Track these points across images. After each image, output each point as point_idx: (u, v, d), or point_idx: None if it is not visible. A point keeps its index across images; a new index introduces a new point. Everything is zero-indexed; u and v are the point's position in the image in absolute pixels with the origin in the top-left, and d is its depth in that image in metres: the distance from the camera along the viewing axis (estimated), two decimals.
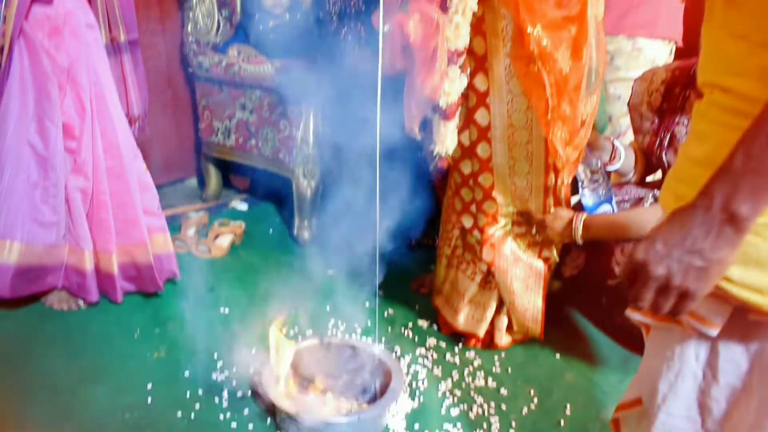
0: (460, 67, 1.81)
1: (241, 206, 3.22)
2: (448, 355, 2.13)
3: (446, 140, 1.90)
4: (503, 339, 2.15)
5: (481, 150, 1.97)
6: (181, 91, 3.28)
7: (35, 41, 1.99)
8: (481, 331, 2.15)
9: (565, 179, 1.98)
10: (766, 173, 0.72)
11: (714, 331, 0.89)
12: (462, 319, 2.17)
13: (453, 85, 1.82)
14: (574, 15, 1.77)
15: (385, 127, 2.50)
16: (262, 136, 2.93)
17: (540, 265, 2.09)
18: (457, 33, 1.77)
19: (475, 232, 2.08)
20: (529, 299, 2.08)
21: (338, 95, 2.66)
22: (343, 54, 2.78)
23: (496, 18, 1.81)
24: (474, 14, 1.77)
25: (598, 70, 1.89)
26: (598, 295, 2.31)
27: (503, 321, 2.15)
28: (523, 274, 2.07)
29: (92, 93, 2.10)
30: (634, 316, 0.99)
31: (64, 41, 2.02)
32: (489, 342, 2.17)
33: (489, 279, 2.10)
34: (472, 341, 2.17)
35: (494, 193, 2.01)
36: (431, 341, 2.19)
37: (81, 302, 2.27)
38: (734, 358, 0.90)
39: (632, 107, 2.21)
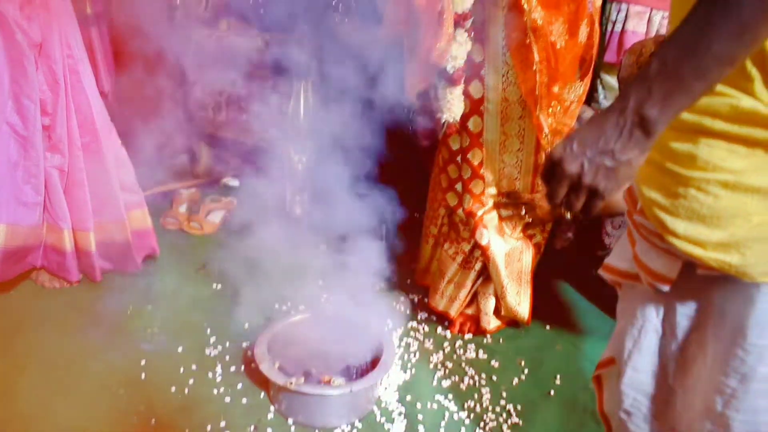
0: (466, 30, 1.79)
1: (233, 182, 3.21)
2: (439, 328, 2.15)
3: (454, 106, 1.88)
4: (491, 323, 2.13)
5: (472, 124, 1.95)
6: (170, 66, 3.24)
7: (7, 16, 1.94)
8: (453, 311, 2.13)
9: None
10: (677, 79, 0.74)
11: (665, 287, 0.92)
12: (441, 300, 2.16)
13: (460, 48, 1.80)
14: None
15: (379, 98, 2.50)
16: (252, 110, 2.91)
17: (529, 249, 2.07)
18: None
19: (460, 211, 2.05)
20: (518, 285, 2.06)
21: (330, 69, 2.65)
22: (335, 27, 2.75)
23: None
24: None
25: (587, 56, 1.87)
26: (588, 266, 2.32)
27: (490, 304, 2.12)
28: (512, 259, 2.05)
29: (65, 66, 2.05)
30: (603, 274, 1.03)
31: (36, 13, 1.97)
32: (476, 328, 2.15)
33: (470, 259, 2.07)
34: (456, 327, 2.15)
35: (482, 171, 1.98)
36: (422, 314, 2.21)
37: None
38: (688, 313, 0.94)
39: (622, 80, 2.20)
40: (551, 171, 0.84)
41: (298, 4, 2.91)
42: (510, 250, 2.04)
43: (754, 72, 0.77)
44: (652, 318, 0.98)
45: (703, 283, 0.89)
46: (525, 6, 1.71)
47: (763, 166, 0.79)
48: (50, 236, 2.19)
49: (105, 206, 2.22)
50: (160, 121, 3.26)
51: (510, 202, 2.03)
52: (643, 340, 0.98)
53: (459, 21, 1.77)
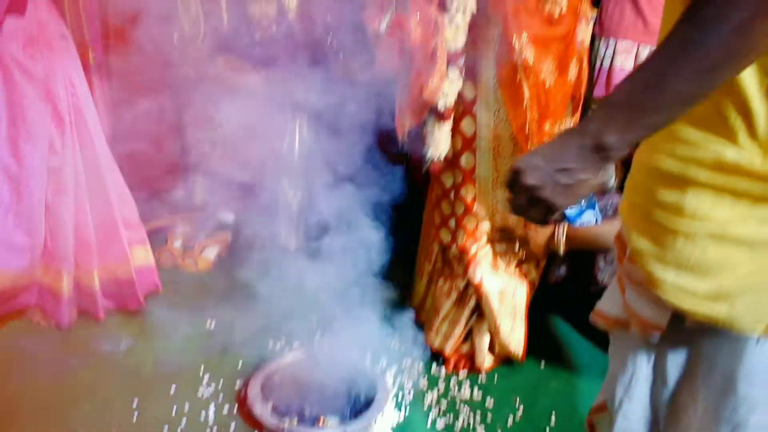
0: (459, 68, 1.82)
1: (228, 217, 3.21)
2: (434, 366, 2.14)
3: (441, 143, 1.89)
4: (486, 361, 2.11)
5: (465, 161, 1.97)
6: (167, 101, 3.27)
7: (7, 59, 1.95)
8: (448, 348, 2.12)
9: None
10: (637, 111, 0.76)
11: (655, 335, 0.93)
12: (435, 338, 2.15)
13: (452, 86, 1.82)
14: (561, 35, 1.79)
15: (373, 134, 2.52)
16: (248, 146, 2.93)
17: (523, 285, 2.07)
18: (457, 33, 1.77)
19: (453, 247, 2.07)
20: (513, 321, 2.06)
21: (324, 106, 2.68)
22: (330, 66, 2.79)
23: (488, 24, 1.81)
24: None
25: (576, 94, 1.90)
26: (582, 302, 2.32)
27: (485, 342, 2.11)
28: (507, 296, 2.05)
29: (70, 104, 2.07)
30: (595, 321, 1.04)
31: (40, 52, 1.99)
32: (470, 366, 2.13)
33: (464, 296, 2.07)
34: (451, 365, 2.13)
35: (475, 207, 2.00)
36: (417, 352, 2.20)
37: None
38: (679, 361, 0.94)
39: None
40: (513, 180, 0.87)
41: (293, 42, 2.95)
42: (504, 287, 2.04)
43: (738, 123, 0.78)
44: (642, 366, 0.98)
45: (692, 333, 0.90)
46: (516, 44, 1.74)
47: (748, 216, 0.80)
48: (47, 277, 2.17)
49: (109, 245, 2.23)
50: (156, 156, 3.29)
51: (504, 236, 2.04)
52: (634, 388, 0.98)
53: (452, 59, 1.79)
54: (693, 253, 0.82)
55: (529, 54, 1.75)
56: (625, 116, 0.77)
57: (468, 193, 1.99)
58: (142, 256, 2.33)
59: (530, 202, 0.86)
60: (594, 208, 2.22)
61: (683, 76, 0.73)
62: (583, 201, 2.22)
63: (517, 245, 2.05)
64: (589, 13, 1.95)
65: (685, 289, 0.84)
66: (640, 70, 0.77)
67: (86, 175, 2.15)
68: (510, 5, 1.75)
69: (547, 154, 0.83)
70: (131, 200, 2.31)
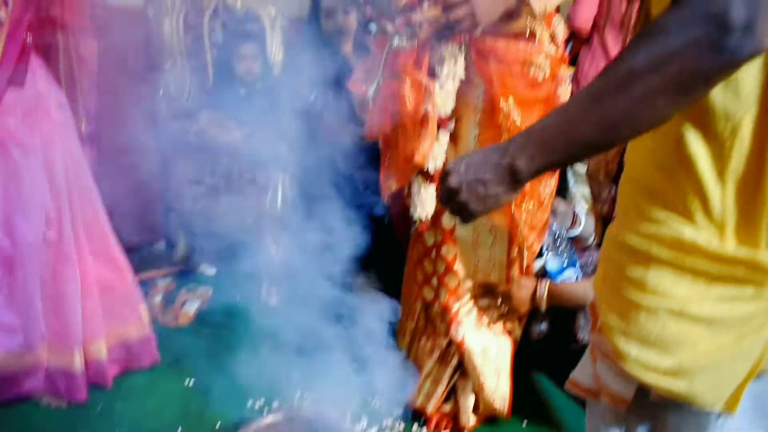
0: (449, 131, 1.85)
1: (209, 270, 3.21)
2: (415, 426, 2.12)
3: (427, 203, 1.91)
4: (470, 420, 2.09)
5: (445, 220, 1.99)
6: (151, 155, 3.29)
7: (4, 134, 1.92)
8: (430, 408, 2.10)
9: (525, 259, 2.00)
10: (549, 146, 0.84)
11: (622, 408, 0.94)
12: (417, 397, 2.13)
13: (441, 149, 1.86)
14: (544, 97, 1.84)
15: (356, 192, 2.55)
16: (231, 201, 2.95)
17: (506, 342, 2.08)
18: (447, 99, 1.82)
19: (436, 305, 2.07)
20: (497, 379, 2.05)
21: (308, 162, 2.71)
22: (313, 121, 2.84)
23: (471, 87, 1.85)
24: None
25: None
26: (563, 359, 2.33)
27: (470, 401, 2.09)
28: (490, 353, 2.05)
29: (69, 174, 2.04)
30: (570, 389, 1.05)
31: (38, 122, 1.97)
32: (453, 425, 2.11)
33: (447, 354, 2.07)
34: (433, 425, 2.11)
35: (456, 266, 2.01)
36: (398, 411, 2.18)
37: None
38: None
39: (590, 176, 2.28)
40: (441, 180, 0.97)
41: (277, 99, 3.00)
42: (487, 345, 2.05)
43: (695, 204, 0.82)
44: None
45: (658, 406, 0.91)
46: (503, 107, 1.78)
47: (705, 295, 0.82)
48: (57, 358, 2.07)
49: (119, 310, 2.20)
50: (139, 209, 3.29)
51: (486, 292, 2.06)
52: None
53: (442, 123, 1.84)
54: (654, 328, 0.85)
55: (516, 116, 1.79)
56: (536, 148, 0.85)
57: (449, 252, 2.01)
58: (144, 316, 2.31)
59: (450, 200, 0.95)
60: (575, 266, 2.25)
61: (590, 127, 0.80)
62: (565, 259, 2.24)
63: (499, 301, 2.06)
64: (567, 74, 2.01)
65: (648, 363, 0.86)
66: (559, 109, 0.86)
67: (90, 246, 2.11)
68: (496, 71, 1.81)
69: (471, 163, 0.92)
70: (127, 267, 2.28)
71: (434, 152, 1.84)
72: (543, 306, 2.03)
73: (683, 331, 0.83)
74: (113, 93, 2.76)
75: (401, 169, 1.93)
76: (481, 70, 1.82)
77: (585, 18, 3.07)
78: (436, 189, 0.99)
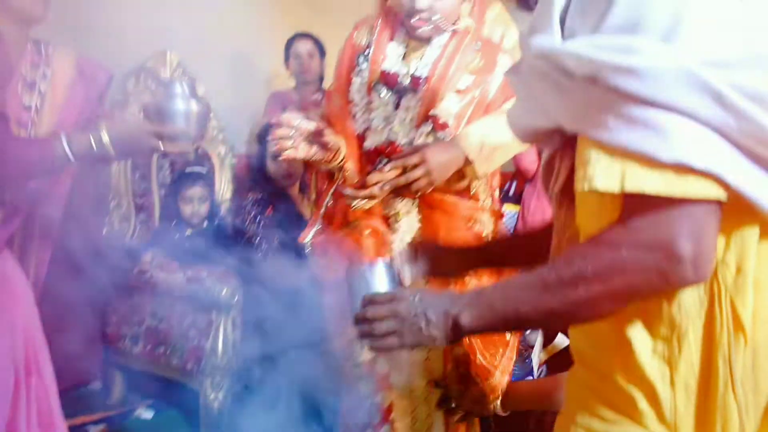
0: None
1: (146, 414, 3.08)
2: None
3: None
4: None
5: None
6: (89, 294, 3.23)
7: None
8: None
9: None
10: (490, 313, 0.89)
11: None
12: None
13: None
14: None
15: (299, 340, 2.53)
16: (171, 344, 2.89)
17: None
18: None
19: None
20: None
21: (251, 307, 2.71)
22: (257, 265, 2.86)
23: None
24: None
25: None
26: None
27: None
28: None
29: (29, 358, 1.95)
30: None
31: (2, 307, 1.88)
32: None
33: None
34: None
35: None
36: None
37: None
38: None
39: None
40: (386, 298, 0.98)
41: (222, 241, 3.03)
42: None
43: (647, 408, 0.84)
44: None
45: None
46: None
47: None
48: None
49: None
50: (75, 349, 3.19)
51: (439, 388, 1.99)
52: None
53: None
54: None
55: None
56: (482, 311, 0.89)
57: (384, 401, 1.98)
58: None
59: (385, 321, 0.96)
60: (532, 374, 2.20)
61: (533, 310, 0.85)
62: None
63: (453, 403, 2.00)
64: (504, 227, 2.10)
65: None
66: (512, 282, 0.92)
67: (40, 428, 1.98)
68: (443, 223, 1.88)
69: (424, 299, 0.94)
70: None
71: None
72: (499, 407, 1.93)
73: None
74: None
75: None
76: (430, 222, 1.90)
77: (530, 160, 3.24)
78: (370, 303, 1.00)
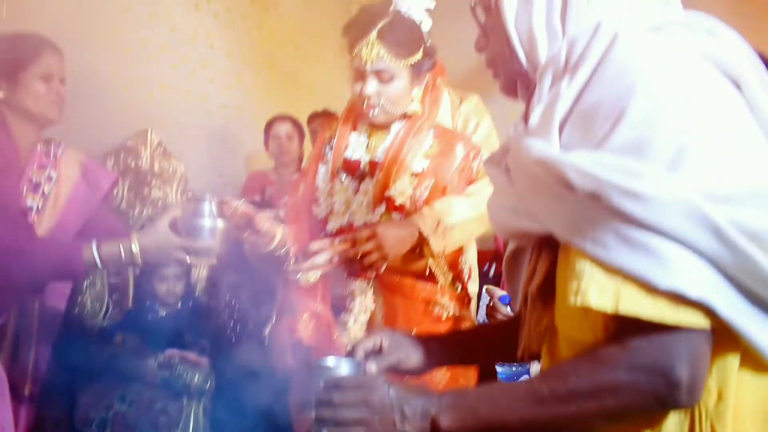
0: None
1: None
2: None
3: None
4: None
5: None
6: (56, 376, 3.14)
7: None
8: None
9: None
10: (476, 416, 0.86)
11: None
12: None
13: None
14: (446, 330, 1.90)
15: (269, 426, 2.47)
16: (140, 430, 2.80)
17: None
18: (359, 332, 1.84)
19: None
20: None
21: (223, 391, 2.65)
22: (231, 349, 2.82)
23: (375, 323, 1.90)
24: None
25: None
26: None
27: None
28: None
29: None
30: None
31: None
32: None
33: None
34: None
35: None
36: None
37: None
38: None
39: None
40: (361, 384, 0.95)
41: (196, 322, 2.99)
42: None
43: None
44: None
45: None
46: None
47: None
48: None
49: None
50: None
51: None
52: None
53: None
54: None
55: None
56: (464, 414, 0.87)
57: None
58: None
59: (348, 410, 0.91)
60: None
61: (519, 420, 0.83)
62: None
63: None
64: (471, 313, 2.10)
65: None
66: (498, 389, 0.90)
67: None
68: (401, 306, 1.88)
69: (400, 393, 0.91)
70: None
71: None
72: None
73: None
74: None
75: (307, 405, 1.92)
76: (390, 305, 1.89)
77: None
78: (338, 391, 0.95)
